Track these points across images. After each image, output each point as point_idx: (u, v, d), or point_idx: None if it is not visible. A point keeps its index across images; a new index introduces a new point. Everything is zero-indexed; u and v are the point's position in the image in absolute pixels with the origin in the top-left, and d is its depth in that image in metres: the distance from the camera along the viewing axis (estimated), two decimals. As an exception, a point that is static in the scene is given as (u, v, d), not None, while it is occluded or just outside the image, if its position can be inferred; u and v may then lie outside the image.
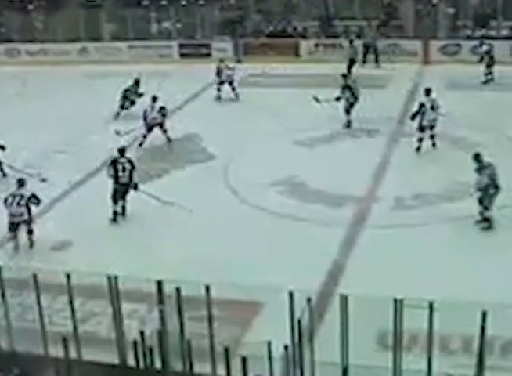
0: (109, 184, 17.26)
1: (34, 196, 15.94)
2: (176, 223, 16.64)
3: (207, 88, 28.50)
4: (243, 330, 12.52)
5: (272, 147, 21.63)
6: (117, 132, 21.67)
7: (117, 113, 25.04)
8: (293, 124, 23.46)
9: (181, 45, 34.22)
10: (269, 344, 8.91)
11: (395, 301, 8.81)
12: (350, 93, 22.81)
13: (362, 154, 20.79)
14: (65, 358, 10.00)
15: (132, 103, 25.03)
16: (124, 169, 17.18)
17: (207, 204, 17.49)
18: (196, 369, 9.85)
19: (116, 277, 9.98)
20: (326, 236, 15.75)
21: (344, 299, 9.10)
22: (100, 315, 13.00)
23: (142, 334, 9.60)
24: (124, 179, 17.23)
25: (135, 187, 17.31)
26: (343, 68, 27.39)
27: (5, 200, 15.92)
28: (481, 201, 15.93)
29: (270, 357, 8.99)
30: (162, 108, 22.14)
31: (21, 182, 16.13)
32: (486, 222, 16.00)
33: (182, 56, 34.00)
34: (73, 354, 10.34)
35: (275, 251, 15.12)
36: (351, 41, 30.47)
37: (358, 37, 31.66)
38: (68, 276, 10.10)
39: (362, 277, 13.53)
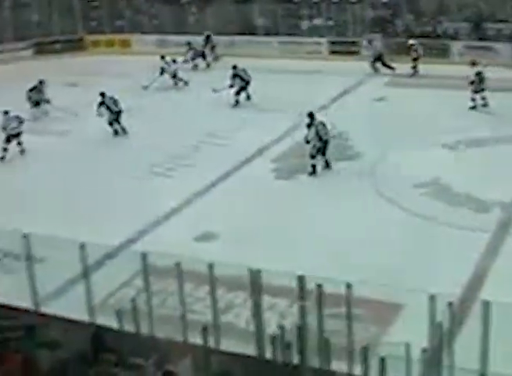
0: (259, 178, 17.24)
1: None
2: (319, 218, 16.63)
3: (356, 86, 28.31)
4: (382, 331, 12.39)
5: (419, 148, 21.25)
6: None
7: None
8: (441, 125, 22.98)
9: (331, 43, 34.10)
10: (408, 346, 8.76)
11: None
12: None
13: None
14: (203, 346, 10.12)
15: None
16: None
17: (350, 202, 17.40)
18: (333, 366, 9.78)
19: (258, 271, 10.02)
20: (468, 241, 15.39)
21: (487, 306, 8.84)
22: (240, 306, 13.12)
23: (281, 328, 9.60)
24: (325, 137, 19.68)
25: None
26: (495, 71, 26.57)
27: None
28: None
29: (408, 359, 8.84)
30: None
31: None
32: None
33: (333, 52, 33.87)
34: (211, 343, 10.48)
35: (416, 253, 14.89)
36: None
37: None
38: (211, 267, 10.22)
39: (505, 285, 13.13)
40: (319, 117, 20.54)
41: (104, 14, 37.43)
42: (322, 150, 20.02)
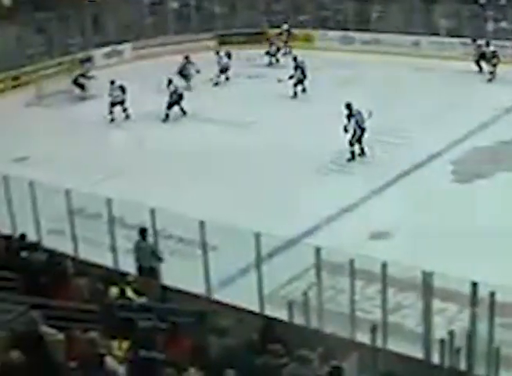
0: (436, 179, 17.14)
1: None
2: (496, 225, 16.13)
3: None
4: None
5: None
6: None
7: None
8: None
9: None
10: None
11: None
12: None
13: None
14: (371, 345, 10.12)
15: None
16: None
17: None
18: (501, 376, 9.59)
19: (431, 273, 9.92)
20: None
21: None
22: (408, 308, 13.00)
23: (451, 333, 9.47)
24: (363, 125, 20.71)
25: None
26: None
27: None
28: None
29: None
30: None
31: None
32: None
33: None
34: (378, 342, 10.46)
35: None
36: None
37: None
38: (384, 266, 10.19)
39: None
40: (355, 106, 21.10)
41: (287, 8, 37.80)
42: (360, 137, 20.97)
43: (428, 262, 11.68)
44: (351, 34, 35.79)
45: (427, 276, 10.03)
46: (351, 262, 10.59)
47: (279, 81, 27.65)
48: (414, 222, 16.23)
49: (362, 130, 20.96)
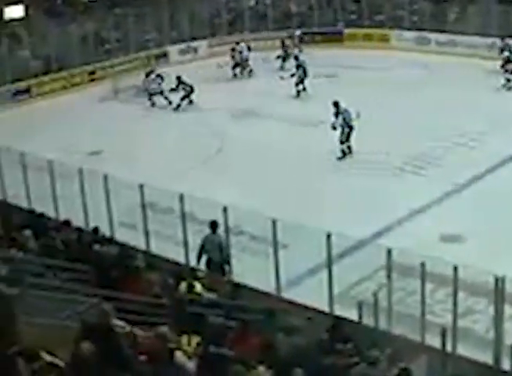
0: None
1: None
2: None
3: None
4: None
5: None
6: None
7: None
8: None
9: None
10: None
11: None
12: None
13: None
14: (441, 349, 10.04)
15: None
16: None
17: None
18: None
19: (503, 278, 9.79)
20: None
21: None
22: (479, 313, 12.83)
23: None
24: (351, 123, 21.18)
25: None
26: None
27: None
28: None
29: None
30: None
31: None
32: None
33: None
34: (448, 347, 10.37)
35: None
36: None
37: None
38: (455, 269, 10.10)
39: None
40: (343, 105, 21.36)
41: (364, 8, 37.62)
42: (349, 135, 21.25)
43: (501, 266, 11.52)
44: (427, 34, 35.46)
45: (499, 281, 9.90)
46: (423, 264, 10.50)
47: (220, 66, 29.61)
48: (487, 226, 16.00)
49: (350, 128, 21.24)
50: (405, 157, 20.81)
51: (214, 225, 14.05)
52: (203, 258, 14.13)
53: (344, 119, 21.19)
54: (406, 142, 21.34)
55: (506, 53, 28.96)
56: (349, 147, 21.42)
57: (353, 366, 9.32)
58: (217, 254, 13.98)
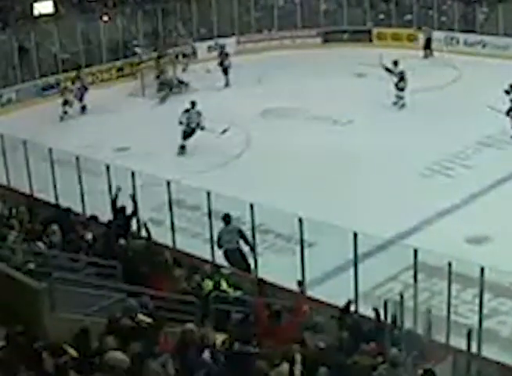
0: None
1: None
2: None
3: None
4: None
5: None
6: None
7: None
8: None
9: None
10: None
11: None
12: None
13: None
14: (467, 350, 10.01)
15: None
16: None
17: None
18: None
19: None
20: None
21: None
22: (505, 314, 12.78)
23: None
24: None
25: None
26: None
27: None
28: None
29: None
30: None
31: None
32: None
33: None
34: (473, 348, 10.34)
35: None
36: None
37: None
38: (482, 270, 10.06)
39: None
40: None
41: (393, 7, 37.45)
42: (190, 135, 22.39)
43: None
44: (455, 34, 35.26)
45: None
46: (449, 265, 10.47)
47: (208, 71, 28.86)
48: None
49: (192, 129, 22.31)
50: (434, 158, 20.68)
51: (227, 217, 14.29)
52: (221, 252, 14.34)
53: (187, 118, 22.31)
54: (434, 143, 21.22)
55: None
56: (183, 147, 22.38)
57: (376, 367, 9.30)
58: (233, 242, 14.21)
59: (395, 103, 25.47)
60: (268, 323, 10.59)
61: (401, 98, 25.42)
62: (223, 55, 30.30)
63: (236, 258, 14.23)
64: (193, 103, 22.87)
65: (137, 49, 30.53)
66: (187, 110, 22.80)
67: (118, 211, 15.04)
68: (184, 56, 33.77)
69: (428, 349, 10.48)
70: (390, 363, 9.19)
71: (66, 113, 26.74)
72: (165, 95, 28.54)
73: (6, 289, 9.93)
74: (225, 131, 22.23)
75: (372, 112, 25.01)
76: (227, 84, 29.22)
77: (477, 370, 10.39)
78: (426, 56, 33.86)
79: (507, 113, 21.63)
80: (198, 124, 22.48)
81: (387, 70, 25.14)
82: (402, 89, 25.34)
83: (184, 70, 31.30)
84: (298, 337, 9.87)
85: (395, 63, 25.42)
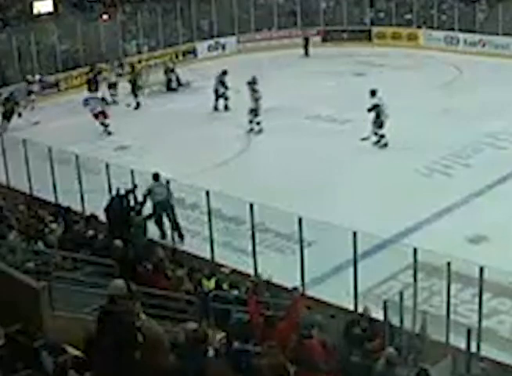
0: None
1: None
2: None
3: None
4: None
5: None
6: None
7: None
8: None
9: None
10: None
11: None
12: None
13: None
14: (466, 350, 10.00)
15: None
16: None
17: None
18: None
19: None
20: None
21: None
22: (504, 313, 12.74)
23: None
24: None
25: None
26: None
27: None
28: None
29: None
30: None
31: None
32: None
33: None
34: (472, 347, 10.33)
35: None
36: None
37: None
38: (481, 270, 10.05)
39: None
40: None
41: (392, 6, 37.45)
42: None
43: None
44: (455, 34, 35.27)
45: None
46: (449, 264, 10.46)
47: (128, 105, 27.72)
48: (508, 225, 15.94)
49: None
50: (434, 157, 20.66)
51: (156, 175, 15.62)
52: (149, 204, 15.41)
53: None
54: (435, 142, 21.21)
55: None
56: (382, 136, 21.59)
57: (375, 364, 9.31)
58: (165, 195, 15.49)
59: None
60: (264, 327, 10.57)
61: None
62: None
63: (167, 208, 15.49)
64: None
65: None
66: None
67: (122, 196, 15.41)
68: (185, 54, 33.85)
69: (427, 348, 10.49)
70: (386, 361, 9.18)
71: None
72: None
73: (5, 288, 9.92)
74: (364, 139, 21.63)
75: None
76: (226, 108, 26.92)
77: (477, 369, 10.38)
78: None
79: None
80: None
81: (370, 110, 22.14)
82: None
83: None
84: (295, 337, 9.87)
85: (373, 93, 21.85)
